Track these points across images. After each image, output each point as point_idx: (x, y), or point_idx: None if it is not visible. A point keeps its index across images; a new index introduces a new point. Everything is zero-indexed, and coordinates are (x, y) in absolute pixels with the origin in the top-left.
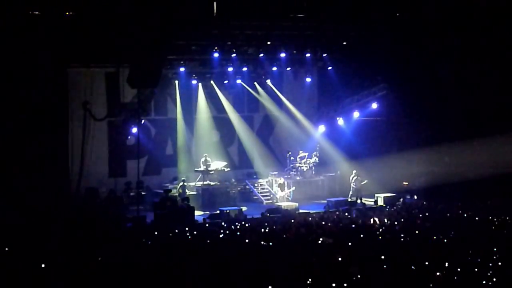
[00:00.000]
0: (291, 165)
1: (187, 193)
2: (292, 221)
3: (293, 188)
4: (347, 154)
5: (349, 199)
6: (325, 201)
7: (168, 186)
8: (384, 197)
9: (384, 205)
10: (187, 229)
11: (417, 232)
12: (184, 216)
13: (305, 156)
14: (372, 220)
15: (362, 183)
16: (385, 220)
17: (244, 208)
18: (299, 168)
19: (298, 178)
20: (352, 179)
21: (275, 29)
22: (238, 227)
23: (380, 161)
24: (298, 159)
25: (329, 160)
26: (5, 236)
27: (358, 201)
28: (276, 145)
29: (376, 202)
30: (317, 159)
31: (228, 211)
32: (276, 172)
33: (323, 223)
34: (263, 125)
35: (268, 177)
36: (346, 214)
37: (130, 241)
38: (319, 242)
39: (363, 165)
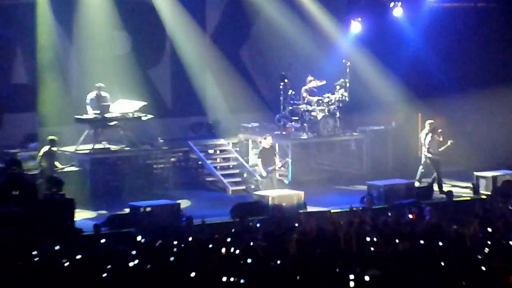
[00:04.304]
0: (289, 107)
1: (59, 170)
2: (292, 232)
3: (289, 159)
4: (410, 86)
5: (418, 183)
6: (363, 187)
7: (16, 154)
8: (492, 177)
9: (491, 194)
10: (58, 248)
11: None
12: (53, 218)
13: (319, 86)
14: (470, 229)
15: (443, 148)
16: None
17: (185, 202)
18: (307, 113)
19: (303, 136)
20: (424, 140)
21: None
22: (173, 246)
23: (485, 100)
24: (304, 94)
25: (370, 99)
26: None
27: (436, 187)
28: (256, 63)
29: (475, 188)
30: (345, 94)
31: (148, 209)
32: (255, 124)
33: (359, 235)
34: (227, 19)
35: (239, 134)
36: (410, 215)
37: None
38: (352, 278)
39: (447, 111)
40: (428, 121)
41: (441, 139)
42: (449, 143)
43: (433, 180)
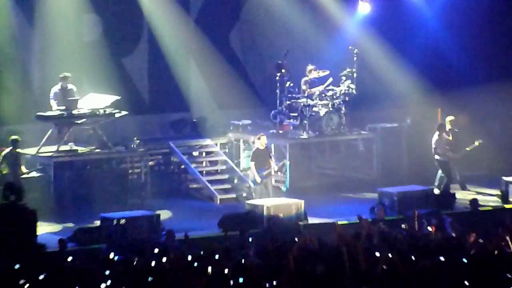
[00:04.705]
0: (287, 102)
1: (20, 175)
2: (290, 247)
3: (287, 162)
4: (428, 77)
5: (437, 189)
6: (373, 195)
7: None
8: None
9: None
10: (17, 267)
11: None
12: (11, 232)
13: (321, 77)
14: (499, 244)
15: (469, 149)
16: None
17: (165, 214)
18: (307, 108)
19: (303, 135)
20: (443, 139)
21: None
22: (151, 264)
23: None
24: (303, 86)
25: (382, 92)
26: None
27: (459, 194)
28: (248, 51)
29: (504, 195)
30: (352, 86)
31: (123, 221)
32: (247, 121)
33: (369, 251)
34: (213, 0)
35: (228, 134)
36: (429, 227)
37: None
38: None
39: (471, 105)
40: (449, 118)
41: (450, 138)
42: (476, 143)
43: (439, 184)
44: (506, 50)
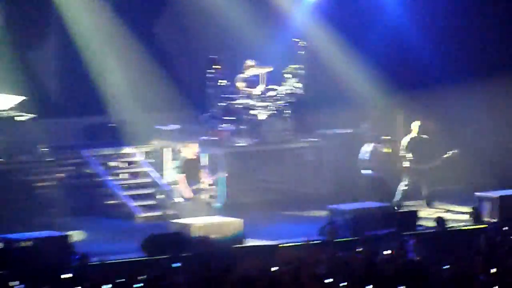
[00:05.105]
0: (222, 104)
1: None
2: (226, 274)
3: (223, 174)
4: (388, 75)
5: (396, 204)
6: (323, 213)
7: None
8: (500, 198)
9: (498, 221)
10: None
11: None
12: None
13: (262, 75)
14: (470, 270)
15: (448, 156)
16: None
17: (77, 234)
18: (245, 112)
19: (241, 142)
20: (405, 146)
21: None
22: None
23: (491, 94)
24: (241, 85)
25: (333, 92)
26: None
27: (425, 211)
28: (176, 44)
29: (476, 213)
30: (298, 86)
31: (28, 243)
32: (175, 126)
33: (317, 278)
34: None
35: (153, 141)
36: (388, 251)
37: None
38: None
39: (439, 108)
40: (416, 123)
41: (386, 150)
42: (450, 153)
43: (400, 200)
44: (479, 44)
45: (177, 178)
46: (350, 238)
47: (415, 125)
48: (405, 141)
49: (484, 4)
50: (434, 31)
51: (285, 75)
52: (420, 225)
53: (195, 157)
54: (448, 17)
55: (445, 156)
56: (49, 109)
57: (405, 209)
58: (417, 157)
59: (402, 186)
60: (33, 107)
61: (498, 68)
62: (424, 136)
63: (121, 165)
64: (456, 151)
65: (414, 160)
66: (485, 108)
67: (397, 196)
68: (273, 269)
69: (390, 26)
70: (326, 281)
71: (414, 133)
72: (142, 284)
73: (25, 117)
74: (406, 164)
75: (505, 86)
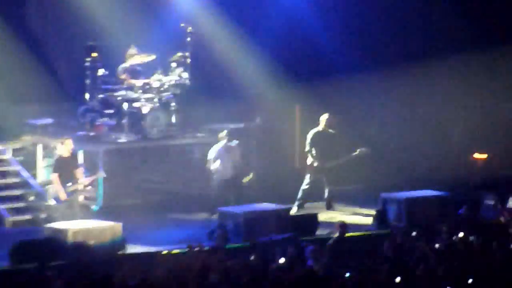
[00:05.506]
0: (100, 95)
1: None
2: (105, 284)
3: (101, 173)
4: (284, 64)
5: (296, 208)
6: (211, 216)
7: None
8: (405, 200)
9: (405, 226)
10: None
11: None
12: None
13: (145, 63)
14: (375, 279)
15: (356, 154)
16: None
17: None
18: (127, 104)
19: (122, 138)
20: (309, 140)
21: None
22: None
23: (400, 85)
24: (122, 75)
25: (224, 83)
26: None
27: (325, 215)
28: (49, 29)
29: (381, 217)
30: (184, 76)
31: None
32: (49, 120)
33: None
34: None
35: (23, 136)
36: (283, 258)
37: None
38: None
39: (340, 99)
40: (324, 116)
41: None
42: (358, 151)
43: (301, 202)
44: (385, 34)
45: (51, 178)
46: (242, 244)
47: (323, 118)
48: (309, 135)
49: None
50: (334, 16)
51: (171, 64)
52: (320, 230)
53: (70, 154)
54: (349, 4)
55: (354, 154)
56: None
57: (304, 212)
58: (322, 153)
59: (304, 186)
60: None
61: (403, 60)
62: (331, 130)
63: None
64: (364, 149)
65: (317, 156)
66: (394, 100)
67: (297, 199)
68: (155, 277)
69: (286, 13)
70: None
71: (320, 127)
72: None
73: None
74: (309, 161)
75: (412, 79)
